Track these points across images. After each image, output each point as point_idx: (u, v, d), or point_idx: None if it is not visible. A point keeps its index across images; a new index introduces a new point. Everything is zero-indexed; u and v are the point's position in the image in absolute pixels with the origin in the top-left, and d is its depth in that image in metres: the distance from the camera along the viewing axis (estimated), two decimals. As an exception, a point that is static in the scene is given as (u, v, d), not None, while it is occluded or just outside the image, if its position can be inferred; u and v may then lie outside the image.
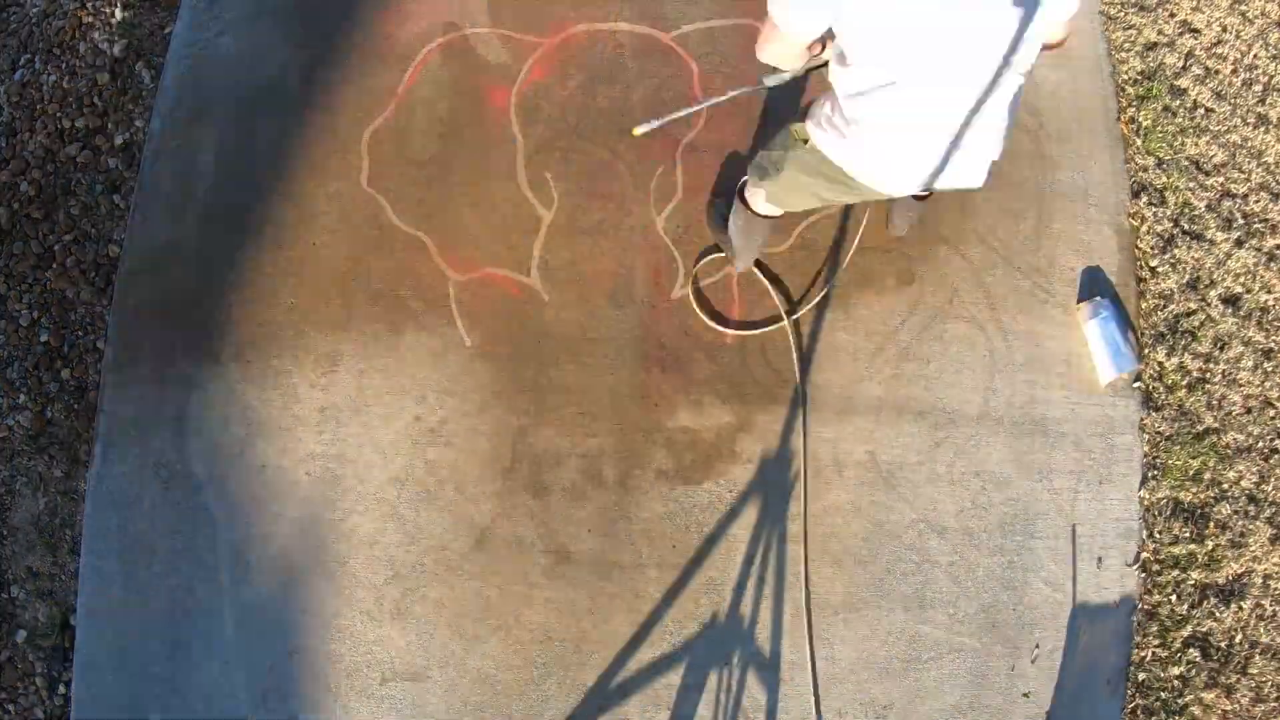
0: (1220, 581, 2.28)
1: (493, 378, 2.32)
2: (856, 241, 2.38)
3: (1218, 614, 2.27)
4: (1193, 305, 2.44)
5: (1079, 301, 2.40)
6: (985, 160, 1.61)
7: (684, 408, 2.30)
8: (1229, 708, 2.23)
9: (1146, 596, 2.26)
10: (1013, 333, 2.39)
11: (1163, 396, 2.37)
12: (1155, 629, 2.24)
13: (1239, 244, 2.50)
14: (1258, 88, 2.66)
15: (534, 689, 2.15)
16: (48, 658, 2.27)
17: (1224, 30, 2.71)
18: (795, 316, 2.36)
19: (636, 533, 2.23)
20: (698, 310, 2.34)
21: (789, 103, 2.52)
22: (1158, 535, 2.29)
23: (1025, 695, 2.19)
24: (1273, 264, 2.49)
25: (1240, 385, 2.40)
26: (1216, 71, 2.66)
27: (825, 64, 1.62)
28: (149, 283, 2.40)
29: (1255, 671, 2.25)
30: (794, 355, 2.33)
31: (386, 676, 2.17)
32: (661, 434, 2.29)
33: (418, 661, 2.17)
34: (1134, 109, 2.60)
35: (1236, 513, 2.32)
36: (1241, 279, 2.47)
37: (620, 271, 2.39)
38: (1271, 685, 2.24)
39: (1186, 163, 2.56)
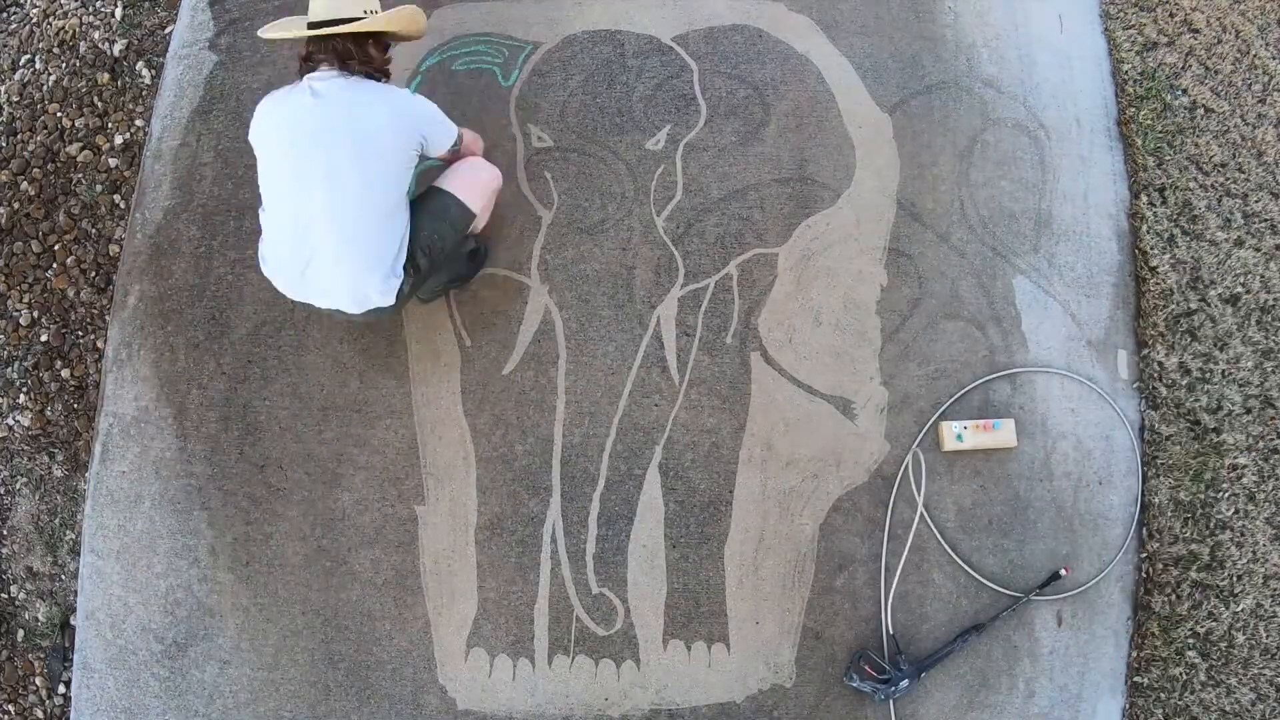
0: (1220, 581, 2.28)
1: (493, 376, 2.32)
2: None
3: (1217, 614, 2.26)
4: (1193, 304, 2.44)
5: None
6: (342, 297, 1.97)
7: (684, 407, 2.30)
8: (1229, 708, 2.23)
9: (1146, 596, 2.26)
10: (1013, 333, 2.39)
11: (1163, 396, 2.37)
12: (1155, 629, 2.24)
13: (1239, 243, 2.50)
14: (1258, 87, 2.66)
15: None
16: (48, 658, 2.27)
17: (1224, 29, 2.71)
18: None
19: (637, 526, 2.23)
20: None
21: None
22: (1158, 535, 2.29)
23: (1028, 694, 2.19)
24: (1273, 263, 2.49)
25: (1240, 385, 2.40)
26: (1216, 71, 2.66)
27: None
28: (149, 282, 2.41)
29: (1255, 671, 2.25)
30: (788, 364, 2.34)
31: (388, 673, 2.17)
32: (661, 433, 2.29)
33: (420, 658, 2.17)
34: (1134, 109, 2.60)
35: (1236, 513, 2.32)
36: (1242, 278, 2.47)
37: (620, 271, 2.39)
38: (1271, 685, 2.24)
39: (1186, 162, 2.56)
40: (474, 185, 2.13)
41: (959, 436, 2.28)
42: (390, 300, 1.98)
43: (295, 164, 1.89)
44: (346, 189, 1.88)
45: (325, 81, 1.90)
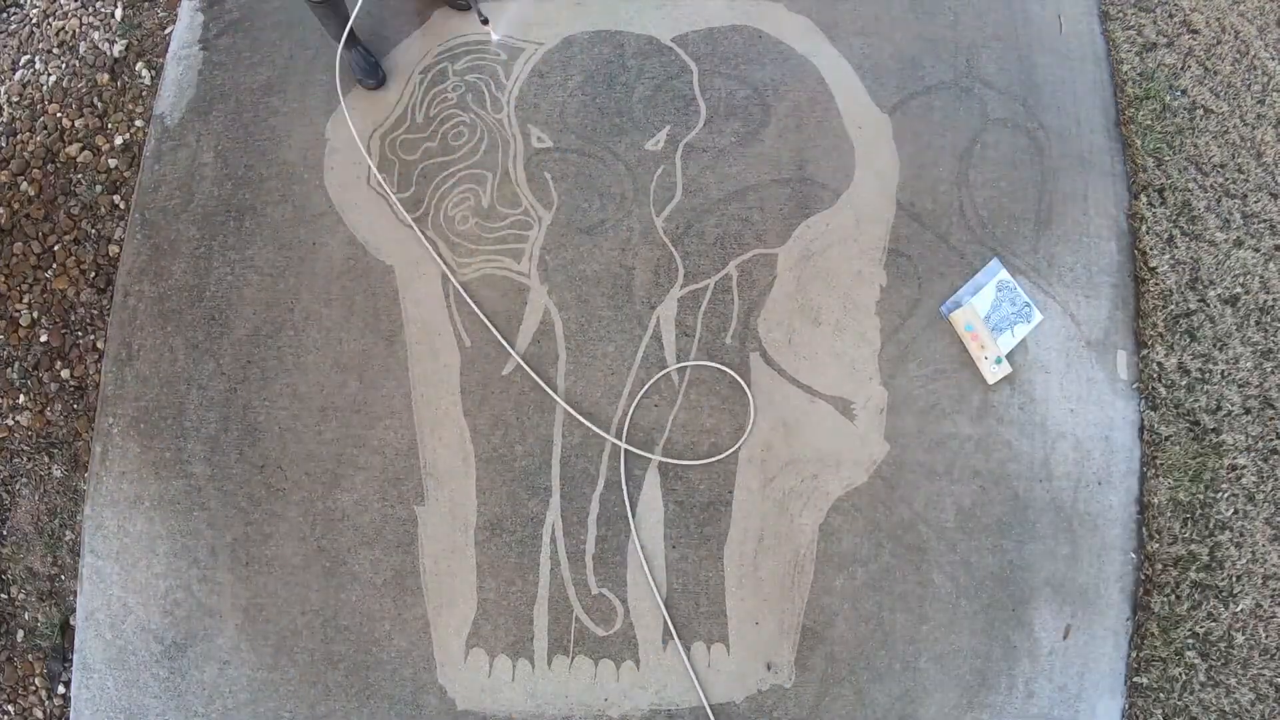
0: (1219, 582, 2.28)
1: (493, 376, 2.32)
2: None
3: (1217, 614, 2.27)
4: (1192, 305, 2.44)
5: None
6: None
7: (684, 407, 2.30)
8: (1228, 708, 2.23)
9: (1146, 597, 2.26)
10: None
11: (1162, 397, 2.37)
12: (1155, 629, 2.24)
13: (1238, 244, 2.50)
14: (1257, 88, 2.66)
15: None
16: (47, 658, 2.27)
17: (1223, 30, 2.71)
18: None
19: (638, 526, 2.23)
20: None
21: None
22: (1158, 535, 2.29)
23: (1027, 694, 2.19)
24: (1272, 264, 2.49)
25: (1239, 385, 2.40)
26: (1216, 71, 2.66)
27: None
28: (149, 283, 2.41)
29: (1254, 672, 2.25)
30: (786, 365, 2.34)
31: (391, 674, 2.17)
32: (661, 433, 2.29)
33: (420, 659, 2.17)
34: (1133, 109, 2.60)
35: (1236, 513, 2.32)
36: (1241, 279, 2.47)
37: (620, 272, 2.39)
38: (1270, 685, 2.24)
39: (1186, 163, 2.56)
40: None
41: (998, 360, 2.34)
42: None
43: None
44: None
45: None
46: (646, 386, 2.30)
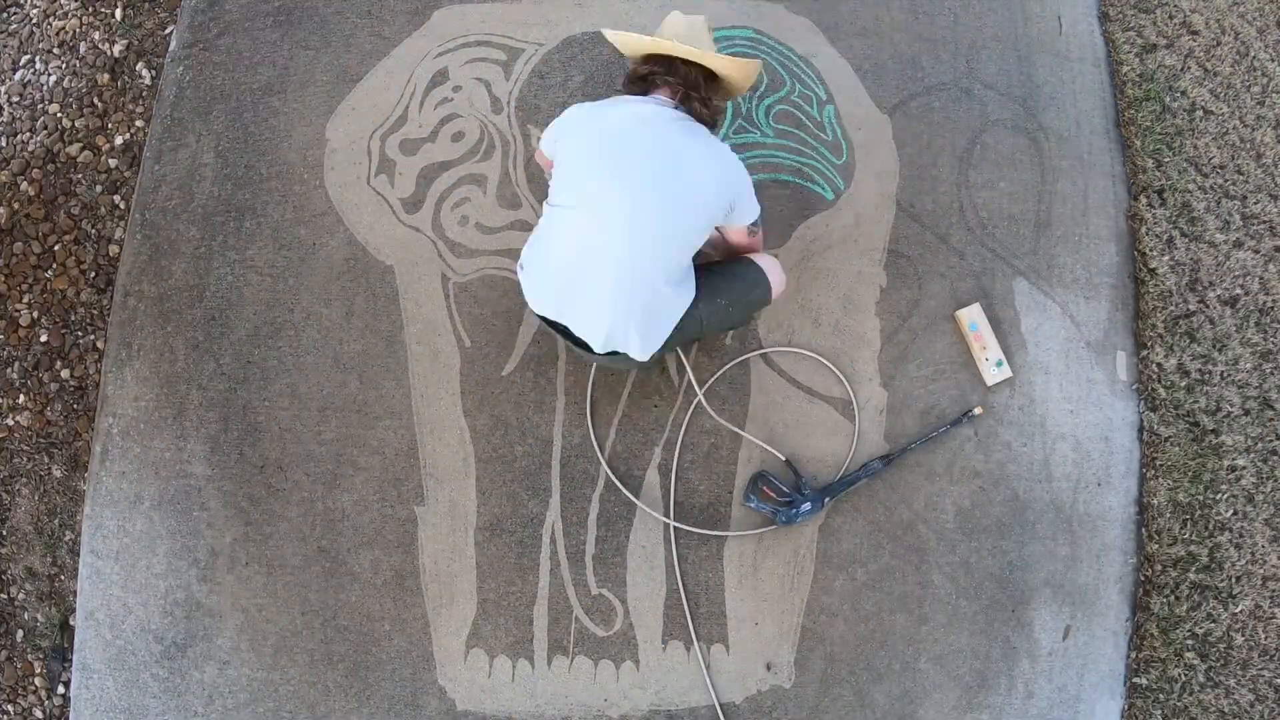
0: (1219, 583, 2.28)
1: (493, 377, 2.32)
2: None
3: (1216, 615, 2.27)
4: (1192, 306, 2.45)
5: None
6: (597, 330, 1.82)
7: (684, 408, 2.31)
8: (1227, 709, 2.23)
9: (1145, 598, 2.27)
10: (1011, 334, 2.39)
11: (1161, 398, 2.37)
12: (1154, 630, 2.24)
13: (1238, 245, 2.50)
14: (1256, 89, 2.66)
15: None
16: (47, 658, 2.27)
17: (1223, 31, 2.71)
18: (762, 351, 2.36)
19: (637, 526, 2.23)
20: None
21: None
22: (1157, 536, 2.29)
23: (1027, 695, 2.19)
24: (1271, 265, 2.50)
25: (1239, 386, 2.40)
26: (1215, 73, 2.66)
27: None
28: (149, 283, 2.41)
29: (1254, 673, 2.25)
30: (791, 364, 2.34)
31: (390, 675, 2.17)
32: (661, 434, 2.29)
33: (419, 658, 2.17)
34: (1133, 110, 2.60)
35: (1235, 514, 2.32)
36: (1240, 280, 2.47)
37: (620, 272, 2.39)
38: (1270, 686, 2.25)
39: (1185, 164, 2.57)
40: (777, 273, 2.01)
41: (999, 363, 2.34)
42: (642, 359, 1.86)
43: (601, 186, 1.72)
44: (643, 235, 1.72)
45: (657, 109, 1.76)
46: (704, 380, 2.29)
